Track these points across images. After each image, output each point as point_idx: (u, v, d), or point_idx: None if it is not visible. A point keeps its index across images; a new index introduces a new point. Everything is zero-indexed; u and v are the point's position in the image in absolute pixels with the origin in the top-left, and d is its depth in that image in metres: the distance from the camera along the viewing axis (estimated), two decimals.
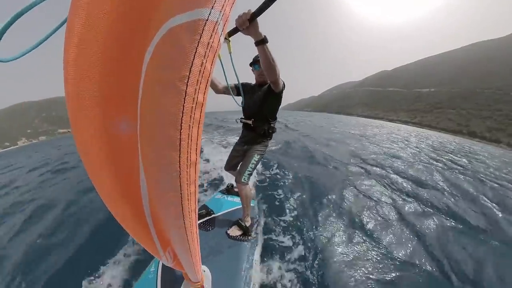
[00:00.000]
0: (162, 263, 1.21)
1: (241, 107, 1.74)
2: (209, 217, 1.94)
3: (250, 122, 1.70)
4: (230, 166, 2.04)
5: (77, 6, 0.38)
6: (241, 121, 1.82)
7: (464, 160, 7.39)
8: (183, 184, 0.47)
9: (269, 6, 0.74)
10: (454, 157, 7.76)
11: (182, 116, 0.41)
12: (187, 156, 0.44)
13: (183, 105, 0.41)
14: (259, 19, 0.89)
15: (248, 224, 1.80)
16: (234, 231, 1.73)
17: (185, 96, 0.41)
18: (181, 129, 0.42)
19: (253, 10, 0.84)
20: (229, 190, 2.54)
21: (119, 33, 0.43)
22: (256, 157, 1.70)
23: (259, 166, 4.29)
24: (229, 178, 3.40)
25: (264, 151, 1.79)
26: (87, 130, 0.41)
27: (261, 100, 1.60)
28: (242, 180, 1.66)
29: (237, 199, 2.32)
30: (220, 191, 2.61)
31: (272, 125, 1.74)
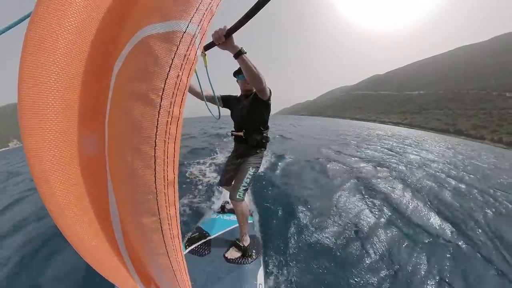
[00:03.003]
0: None
1: (226, 119, 1.70)
2: (204, 240, 1.80)
3: (241, 134, 1.63)
4: (225, 181, 1.91)
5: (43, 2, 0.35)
6: (232, 134, 1.74)
7: None
8: (161, 207, 0.42)
9: (244, 23, 0.78)
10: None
11: (157, 131, 0.38)
12: (164, 175, 0.40)
13: (158, 119, 0.37)
14: (241, 30, 0.93)
15: (246, 243, 1.67)
16: (233, 253, 1.60)
17: (160, 109, 0.37)
18: (155, 146, 0.38)
19: (229, 26, 0.88)
20: (224, 209, 2.40)
21: (86, 37, 0.40)
22: (251, 171, 1.61)
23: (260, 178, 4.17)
24: (225, 195, 3.28)
25: (259, 163, 1.70)
26: (48, 151, 0.36)
27: (249, 110, 1.54)
28: (237, 197, 1.55)
29: (233, 217, 2.18)
30: (214, 211, 2.46)
31: (264, 134, 1.66)
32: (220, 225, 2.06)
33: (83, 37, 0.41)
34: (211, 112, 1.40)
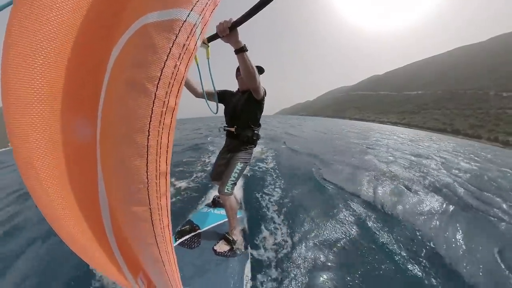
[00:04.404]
0: None
1: (223, 114, 1.72)
2: (194, 233, 1.82)
3: (233, 129, 1.66)
4: (215, 175, 1.94)
5: None
6: (224, 129, 1.77)
7: None
8: (152, 197, 0.42)
9: (251, 17, 0.76)
10: None
11: (151, 121, 0.37)
12: (156, 166, 0.40)
13: (152, 109, 0.37)
14: (243, 27, 0.91)
15: (236, 237, 1.70)
16: (221, 247, 1.63)
17: (155, 99, 0.37)
18: (149, 135, 0.38)
19: (234, 18, 0.84)
20: (216, 203, 2.42)
21: (83, 18, 0.39)
22: (239, 166, 1.64)
23: (248, 172, 4.21)
24: (216, 190, 3.31)
25: (248, 159, 1.74)
26: (32, 135, 0.35)
27: (242, 106, 1.58)
28: (225, 191, 1.59)
29: (223, 212, 2.21)
30: (206, 205, 2.50)
31: (256, 131, 1.70)
32: (211, 219, 2.09)
33: (79, 19, 0.40)
34: (209, 107, 1.40)
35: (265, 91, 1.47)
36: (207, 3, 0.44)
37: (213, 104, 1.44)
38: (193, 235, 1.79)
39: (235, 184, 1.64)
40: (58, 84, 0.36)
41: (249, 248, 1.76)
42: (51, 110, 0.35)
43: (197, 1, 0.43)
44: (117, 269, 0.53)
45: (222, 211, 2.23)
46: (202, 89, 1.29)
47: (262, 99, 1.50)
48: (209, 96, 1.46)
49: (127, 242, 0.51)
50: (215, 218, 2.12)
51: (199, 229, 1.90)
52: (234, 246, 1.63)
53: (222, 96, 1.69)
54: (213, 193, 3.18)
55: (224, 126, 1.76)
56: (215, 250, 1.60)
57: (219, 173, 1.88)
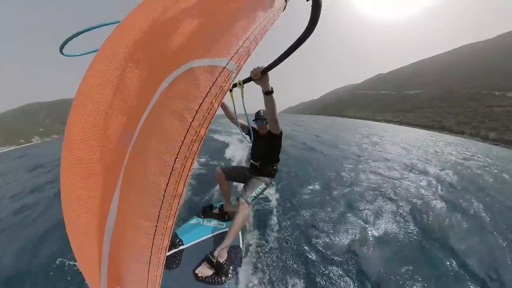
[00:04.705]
0: None
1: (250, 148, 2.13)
2: (175, 250, 1.57)
3: (257, 164, 1.96)
4: (228, 176, 2.09)
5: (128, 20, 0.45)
6: (249, 161, 2.08)
7: None
8: (162, 215, 0.43)
9: (278, 64, 0.92)
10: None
11: (181, 145, 0.42)
12: (175, 186, 0.43)
13: (185, 136, 0.42)
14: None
15: (222, 259, 1.42)
16: (203, 270, 1.37)
17: (189, 128, 0.43)
18: (176, 158, 0.42)
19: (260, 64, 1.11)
20: (206, 212, 2.10)
21: (144, 54, 0.48)
22: (262, 185, 1.82)
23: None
24: (212, 196, 3.15)
25: (268, 184, 1.91)
26: (81, 124, 0.42)
27: (267, 148, 1.90)
28: (247, 199, 1.64)
29: (214, 223, 1.96)
30: (195, 214, 2.16)
31: (275, 167, 1.97)
32: (198, 233, 1.83)
33: (140, 53, 0.49)
34: (243, 136, 1.89)
35: (281, 130, 1.75)
36: (242, 54, 0.54)
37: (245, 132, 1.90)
38: (174, 253, 1.56)
39: (255, 199, 1.73)
40: (116, 99, 0.44)
41: (239, 272, 1.44)
42: (105, 116, 0.42)
43: (235, 53, 0.53)
44: (95, 273, 0.53)
45: (213, 222, 1.98)
46: (237, 123, 1.77)
47: (281, 134, 1.77)
48: (243, 127, 1.86)
49: (119, 252, 0.51)
50: (203, 231, 1.85)
51: (182, 244, 1.65)
52: (219, 270, 1.36)
53: (253, 132, 2.02)
54: (205, 200, 3.05)
55: (250, 159, 2.08)
56: (196, 274, 1.35)
57: (233, 176, 2.10)
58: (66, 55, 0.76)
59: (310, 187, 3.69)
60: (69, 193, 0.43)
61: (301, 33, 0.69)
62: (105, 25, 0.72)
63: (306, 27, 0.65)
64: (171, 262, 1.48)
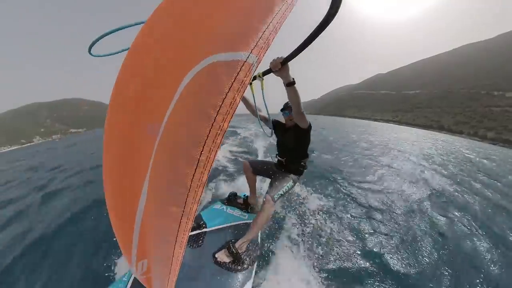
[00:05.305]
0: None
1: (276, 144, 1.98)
2: (199, 231, 1.67)
3: (283, 160, 1.85)
4: (255, 170, 2.04)
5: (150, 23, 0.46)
6: (276, 157, 1.97)
7: None
8: (188, 202, 0.47)
9: (298, 53, 0.83)
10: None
11: (207, 139, 0.45)
12: (201, 176, 0.46)
13: (210, 130, 0.45)
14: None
15: (241, 250, 1.49)
16: (222, 256, 1.45)
17: (213, 123, 0.45)
18: (202, 150, 0.45)
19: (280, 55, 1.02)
20: (231, 200, 2.19)
21: (167, 52, 0.49)
22: (289, 183, 1.73)
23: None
24: (235, 184, 3.06)
25: (295, 182, 1.82)
26: (117, 125, 0.46)
27: (294, 142, 1.75)
28: (274, 196, 1.59)
29: (237, 213, 2.02)
30: (220, 200, 2.25)
31: (302, 163, 1.82)
32: (222, 218, 1.92)
33: (164, 50, 0.50)
34: (263, 130, 1.73)
35: (310, 124, 1.58)
36: (262, 46, 0.55)
37: (266, 126, 1.75)
38: (198, 233, 1.67)
39: (281, 197, 1.67)
40: (142, 95, 0.46)
41: (255, 266, 1.50)
42: (133, 113, 0.45)
43: (255, 46, 0.53)
44: (129, 247, 0.63)
45: (236, 212, 2.05)
46: (258, 117, 1.54)
47: (309, 127, 1.59)
48: (264, 120, 1.74)
49: (148, 232, 0.58)
50: (227, 218, 1.93)
51: (205, 227, 1.75)
52: (236, 260, 1.44)
53: (275, 126, 1.89)
54: (231, 188, 2.97)
55: (276, 154, 1.97)
56: (215, 258, 1.44)
57: (259, 170, 2.04)
58: (94, 56, 0.80)
59: (320, 188, 3.33)
60: (109, 184, 0.48)
61: (322, 18, 0.61)
62: (131, 26, 0.72)
63: (328, 10, 0.58)
64: (194, 242, 1.58)
